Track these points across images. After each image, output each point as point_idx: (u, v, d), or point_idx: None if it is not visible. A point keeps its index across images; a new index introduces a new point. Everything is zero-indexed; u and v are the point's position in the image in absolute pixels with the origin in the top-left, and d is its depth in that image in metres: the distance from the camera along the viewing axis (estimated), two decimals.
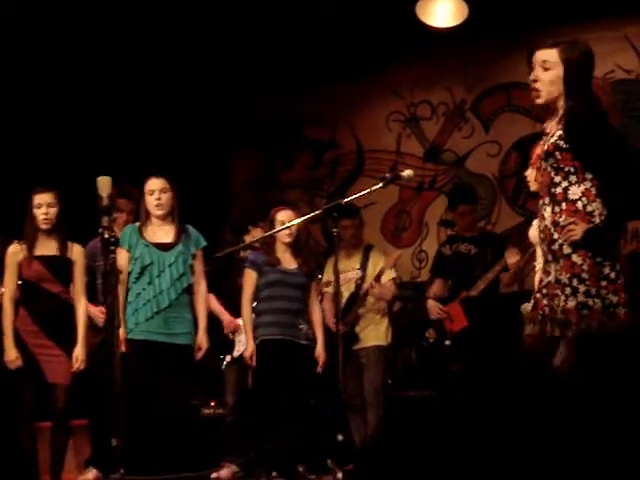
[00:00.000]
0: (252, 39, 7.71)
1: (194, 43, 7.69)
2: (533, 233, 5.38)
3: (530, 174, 5.33)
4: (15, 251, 5.51)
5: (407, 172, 4.89)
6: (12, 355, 5.41)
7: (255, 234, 6.47)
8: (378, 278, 6.49)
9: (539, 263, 5.05)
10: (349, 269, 6.60)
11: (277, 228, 5.85)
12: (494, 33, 7.54)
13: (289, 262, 5.98)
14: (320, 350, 5.97)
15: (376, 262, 6.65)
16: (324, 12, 7.26)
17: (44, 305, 5.47)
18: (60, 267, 5.50)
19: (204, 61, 8.03)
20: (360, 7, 7.21)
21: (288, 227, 5.73)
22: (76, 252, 5.53)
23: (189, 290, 5.60)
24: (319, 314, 6.08)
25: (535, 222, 5.42)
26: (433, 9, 7.21)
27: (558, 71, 3.86)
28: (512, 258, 6.04)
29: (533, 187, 5.33)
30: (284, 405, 5.78)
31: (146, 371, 5.35)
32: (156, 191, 5.58)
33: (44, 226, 5.48)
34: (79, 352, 5.40)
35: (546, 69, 3.88)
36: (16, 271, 5.49)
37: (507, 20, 7.28)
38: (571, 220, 3.78)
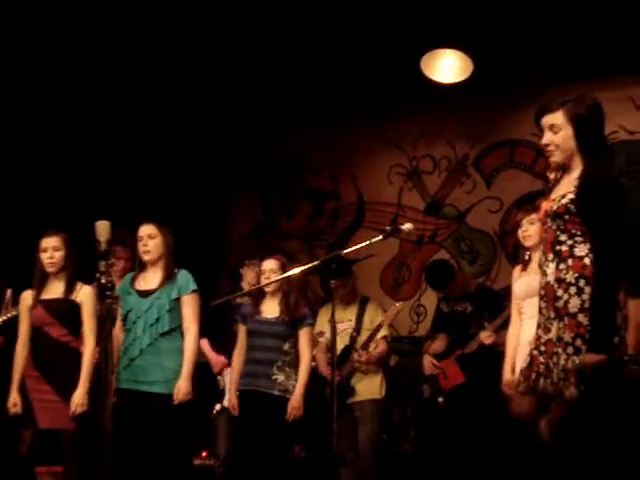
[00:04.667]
0: (256, 84, 7.75)
1: (197, 88, 7.73)
2: (520, 288, 5.37)
3: (525, 230, 5.35)
4: (25, 296, 5.58)
5: (407, 225, 4.86)
6: (12, 400, 5.43)
7: (246, 276, 6.64)
8: (369, 340, 6.47)
9: (532, 318, 5.02)
10: (343, 321, 6.57)
11: (263, 277, 5.90)
12: (498, 90, 7.57)
13: (272, 311, 5.94)
14: (292, 400, 5.77)
15: (373, 315, 6.63)
16: (333, 60, 7.30)
17: (45, 349, 5.45)
18: (63, 310, 5.46)
19: (206, 107, 8.06)
20: (367, 59, 7.25)
21: (279, 278, 5.69)
22: (83, 294, 5.48)
23: (175, 336, 5.52)
24: (305, 364, 5.87)
25: (517, 276, 5.43)
26: (438, 64, 7.23)
27: (568, 131, 3.84)
28: (487, 340, 6.04)
29: (528, 243, 5.34)
30: (258, 457, 5.68)
31: (126, 420, 5.24)
32: (144, 237, 5.59)
33: (50, 269, 5.49)
34: (78, 395, 5.31)
35: (555, 132, 3.86)
36: (27, 316, 5.52)
37: (511, 77, 7.33)
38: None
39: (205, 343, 6.44)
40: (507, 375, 5.29)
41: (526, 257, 5.39)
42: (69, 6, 6.31)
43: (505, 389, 5.29)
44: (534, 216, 5.15)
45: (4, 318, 5.75)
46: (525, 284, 5.30)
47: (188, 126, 8.28)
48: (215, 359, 6.44)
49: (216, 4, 6.53)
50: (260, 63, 7.39)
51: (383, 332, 6.55)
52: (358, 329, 6.61)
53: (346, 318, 6.62)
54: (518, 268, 5.48)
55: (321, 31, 6.90)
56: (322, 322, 6.52)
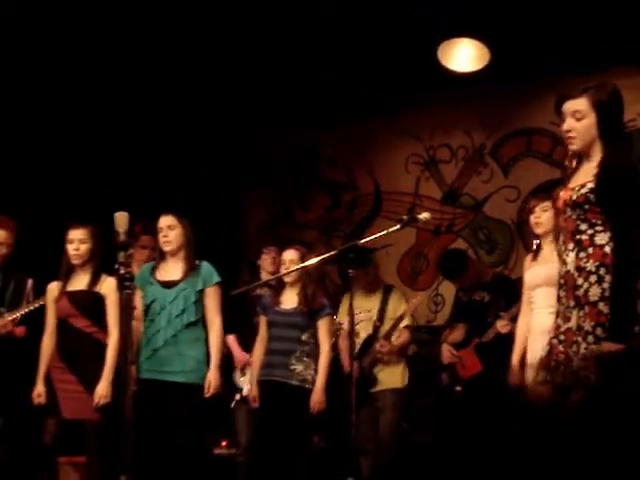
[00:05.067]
0: (270, 79, 7.76)
1: (214, 82, 7.74)
2: (530, 278, 5.36)
3: (538, 217, 5.34)
4: (51, 288, 5.63)
5: (424, 215, 4.87)
6: (37, 391, 5.50)
7: (264, 264, 6.65)
8: (390, 332, 6.48)
9: (543, 307, 5.02)
10: (366, 309, 6.58)
11: (283, 267, 5.94)
12: (515, 78, 7.54)
13: (290, 302, 5.98)
14: (314, 394, 5.83)
15: (396, 304, 6.63)
16: (347, 52, 7.30)
17: (70, 341, 5.50)
18: (86, 302, 5.51)
19: (223, 100, 8.08)
20: (383, 48, 7.25)
21: (297, 267, 5.72)
22: (107, 286, 5.51)
23: (197, 327, 5.57)
24: (325, 355, 5.93)
25: (528, 266, 5.43)
26: (455, 53, 7.24)
27: (591, 118, 3.83)
28: (504, 329, 6.03)
29: (539, 230, 5.34)
30: (277, 447, 5.72)
31: (148, 411, 5.28)
32: (164, 228, 5.62)
33: (75, 261, 5.54)
34: (102, 387, 5.35)
35: (578, 119, 3.84)
36: (53, 308, 5.57)
37: (528, 65, 7.30)
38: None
39: (232, 339, 6.49)
40: (515, 368, 5.30)
41: (534, 246, 5.40)
42: (69, 6, 6.31)
43: (511, 379, 5.31)
44: (547, 203, 5.14)
45: (28, 309, 5.81)
46: (535, 274, 5.29)
47: (206, 119, 8.30)
48: (239, 356, 6.46)
49: (216, 4, 6.51)
50: (269, 60, 7.40)
51: (406, 321, 6.56)
52: (381, 318, 6.60)
53: (369, 307, 6.63)
54: (529, 258, 5.48)
55: (325, 29, 6.90)
56: (343, 311, 6.53)
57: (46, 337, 5.59)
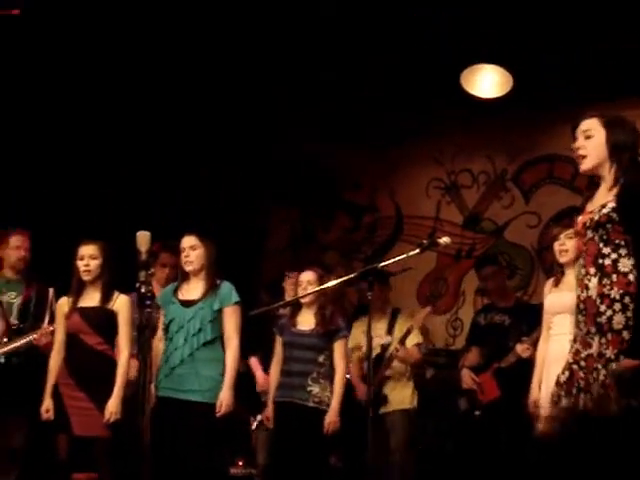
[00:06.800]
0: (294, 101, 7.79)
1: (240, 102, 7.79)
2: (551, 303, 5.37)
3: (562, 244, 5.36)
4: (62, 303, 5.64)
5: (444, 239, 4.87)
6: (45, 406, 5.48)
7: (288, 288, 6.63)
8: (404, 339, 6.48)
9: (563, 334, 5.01)
10: (376, 334, 6.58)
11: (300, 288, 5.94)
12: (538, 105, 7.56)
13: (307, 323, 5.98)
14: (329, 415, 5.81)
15: (402, 325, 6.66)
16: (365, 78, 7.34)
17: (79, 356, 5.49)
18: (99, 318, 5.51)
19: (247, 119, 8.11)
20: (404, 74, 7.29)
21: (318, 289, 5.72)
22: (120, 303, 5.53)
23: (215, 346, 5.57)
24: (339, 376, 5.91)
25: (548, 292, 5.43)
26: (478, 79, 7.26)
27: (600, 137, 3.85)
28: (525, 353, 6.01)
29: (563, 258, 5.34)
30: (294, 467, 5.71)
31: (165, 429, 5.30)
32: (186, 248, 5.65)
33: (85, 277, 5.55)
34: (112, 404, 5.34)
35: (588, 137, 3.87)
36: (63, 324, 5.58)
37: (551, 92, 7.31)
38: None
39: (255, 361, 6.52)
40: (534, 393, 5.29)
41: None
42: (70, 7, 6.29)
43: (531, 407, 5.29)
44: (572, 231, 5.14)
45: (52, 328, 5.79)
46: (556, 300, 5.30)
47: (229, 138, 8.34)
48: (261, 379, 6.47)
49: (217, 5, 6.48)
50: (281, 73, 7.42)
51: (415, 339, 6.58)
52: (389, 340, 6.63)
53: (378, 328, 6.64)
54: (549, 283, 5.49)
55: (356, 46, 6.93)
56: (356, 335, 6.54)
57: (54, 352, 5.59)
